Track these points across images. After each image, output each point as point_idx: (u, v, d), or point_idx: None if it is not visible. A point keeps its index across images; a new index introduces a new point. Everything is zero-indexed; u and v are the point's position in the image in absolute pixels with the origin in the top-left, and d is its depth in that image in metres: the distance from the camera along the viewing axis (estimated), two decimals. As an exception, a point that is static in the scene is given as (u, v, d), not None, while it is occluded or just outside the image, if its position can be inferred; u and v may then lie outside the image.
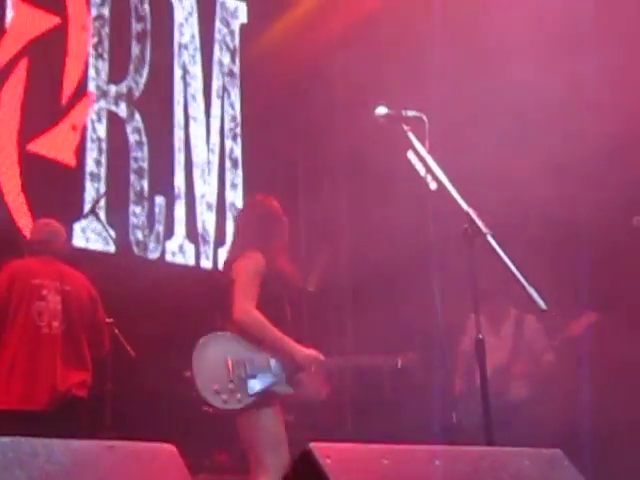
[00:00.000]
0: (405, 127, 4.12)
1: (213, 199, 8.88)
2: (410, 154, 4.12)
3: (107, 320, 6.47)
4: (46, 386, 5.82)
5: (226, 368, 5.13)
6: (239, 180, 9.10)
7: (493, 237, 3.66)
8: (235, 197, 9.04)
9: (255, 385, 5.16)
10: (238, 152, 9.15)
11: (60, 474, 1.92)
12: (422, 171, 4.00)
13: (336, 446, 2.51)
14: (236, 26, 9.36)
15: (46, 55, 7.74)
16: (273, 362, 5.25)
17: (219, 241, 8.84)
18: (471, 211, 3.75)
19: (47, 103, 7.74)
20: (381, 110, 4.22)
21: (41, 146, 7.65)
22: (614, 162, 6.76)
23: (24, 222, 7.30)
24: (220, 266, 8.79)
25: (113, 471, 2.01)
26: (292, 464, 2.41)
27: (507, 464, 2.77)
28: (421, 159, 4.01)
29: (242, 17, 9.41)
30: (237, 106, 9.18)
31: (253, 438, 5.23)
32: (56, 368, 5.87)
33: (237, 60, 9.28)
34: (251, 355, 5.21)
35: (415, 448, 2.64)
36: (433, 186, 3.92)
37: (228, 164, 9.07)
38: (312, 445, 2.36)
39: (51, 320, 5.94)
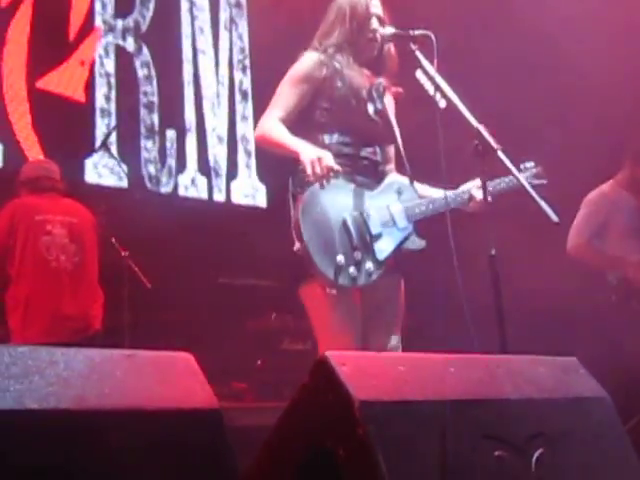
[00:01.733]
0: (413, 46, 4.09)
1: (224, 132, 8.86)
2: (419, 73, 4.11)
3: (123, 253, 6.55)
4: (58, 318, 5.90)
5: (346, 231, 3.92)
6: (249, 112, 9.07)
7: (504, 152, 3.66)
8: (246, 129, 9.02)
9: (384, 247, 4.01)
10: (247, 84, 9.12)
11: (78, 381, 1.95)
12: (431, 90, 3.99)
13: (352, 354, 2.55)
14: (242, -43, 9.29)
15: (51, -9, 7.70)
16: (396, 209, 4.10)
17: (231, 174, 8.84)
18: (481, 127, 3.74)
19: (54, 39, 7.71)
20: (388, 30, 4.21)
21: (50, 82, 7.63)
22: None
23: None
24: (233, 199, 8.85)
25: (131, 377, 2.04)
26: (310, 373, 2.43)
27: (522, 370, 2.79)
28: (430, 78, 3.99)
29: (248, -53, 9.33)
30: (245, 38, 9.14)
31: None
32: (68, 300, 5.95)
33: (244, -9, 9.23)
34: (367, 205, 4.03)
35: (431, 356, 2.66)
36: (442, 104, 3.92)
37: (238, 97, 9.04)
38: (327, 353, 2.38)
39: (59, 254, 6.02)
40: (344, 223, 3.92)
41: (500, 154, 3.67)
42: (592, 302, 6.48)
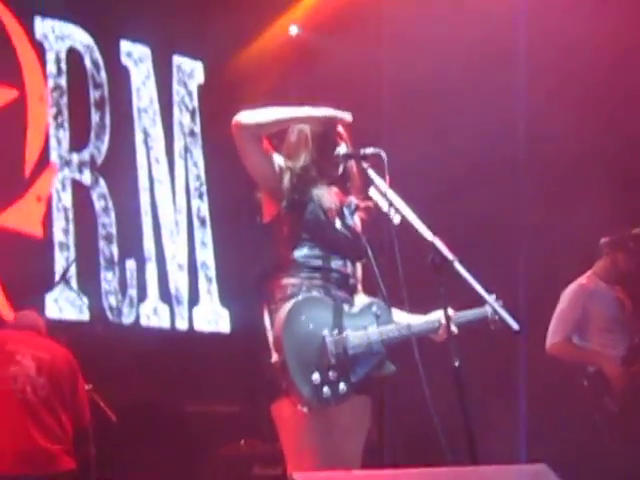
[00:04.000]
0: (365, 164, 4.15)
1: (184, 259, 8.88)
2: (372, 191, 4.16)
3: (86, 387, 6.46)
4: (15, 449, 5.79)
5: (324, 349, 3.87)
6: (208, 238, 9.12)
7: (460, 262, 3.69)
8: (206, 256, 9.05)
9: (358, 370, 3.95)
10: (205, 210, 9.18)
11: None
12: (385, 206, 4.04)
13: (319, 474, 2.52)
14: (194, 87, 9.42)
15: (6, 128, 7.74)
16: (373, 333, 4.03)
17: (193, 300, 8.84)
18: (436, 240, 3.78)
19: (10, 176, 7.73)
20: (341, 150, 4.27)
21: (7, 219, 7.63)
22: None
23: (-5, 296, 7.28)
24: (196, 326, 8.82)
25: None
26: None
27: (493, 481, 2.77)
28: (382, 195, 4.05)
29: (199, 77, 9.47)
30: (200, 165, 9.22)
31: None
32: (28, 434, 5.85)
33: (197, 120, 9.33)
34: (345, 324, 3.98)
35: (400, 472, 2.64)
36: (397, 220, 3.96)
37: (196, 223, 9.08)
38: (295, 475, 2.36)
39: (25, 385, 5.94)
40: (323, 340, 3.88)
41: (457, 265, 3.70)
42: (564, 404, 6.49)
